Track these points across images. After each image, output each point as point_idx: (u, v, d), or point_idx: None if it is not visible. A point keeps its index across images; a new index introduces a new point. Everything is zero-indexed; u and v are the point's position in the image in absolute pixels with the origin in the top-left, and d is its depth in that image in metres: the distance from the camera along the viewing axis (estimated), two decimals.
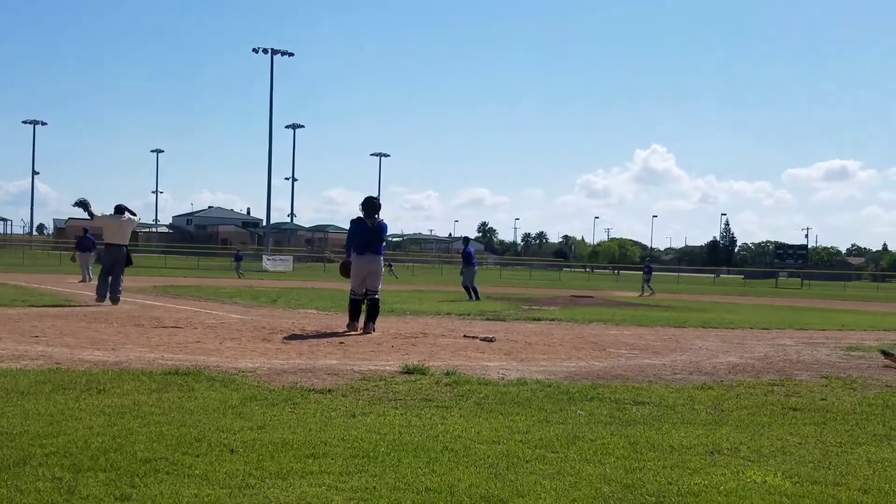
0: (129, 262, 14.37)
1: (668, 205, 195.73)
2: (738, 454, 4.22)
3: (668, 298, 26.76)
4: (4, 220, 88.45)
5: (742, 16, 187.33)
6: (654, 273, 35.92)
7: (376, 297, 10.61)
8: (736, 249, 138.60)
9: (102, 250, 14.26)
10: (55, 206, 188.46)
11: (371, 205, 10.66)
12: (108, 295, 13.75)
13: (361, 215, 10.65)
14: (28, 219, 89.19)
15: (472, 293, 19.96)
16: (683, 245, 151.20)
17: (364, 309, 10.56)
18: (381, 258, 10.76)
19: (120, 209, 14.36)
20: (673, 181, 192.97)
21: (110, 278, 13.85)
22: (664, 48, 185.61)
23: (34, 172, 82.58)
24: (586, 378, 6.78)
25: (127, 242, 14.31)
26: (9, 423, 4.31)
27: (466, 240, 22.69)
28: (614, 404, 5.54)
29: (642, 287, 32.45)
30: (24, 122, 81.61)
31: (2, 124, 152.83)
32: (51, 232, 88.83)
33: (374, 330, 10.19)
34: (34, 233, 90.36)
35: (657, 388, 6.30)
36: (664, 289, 35.30)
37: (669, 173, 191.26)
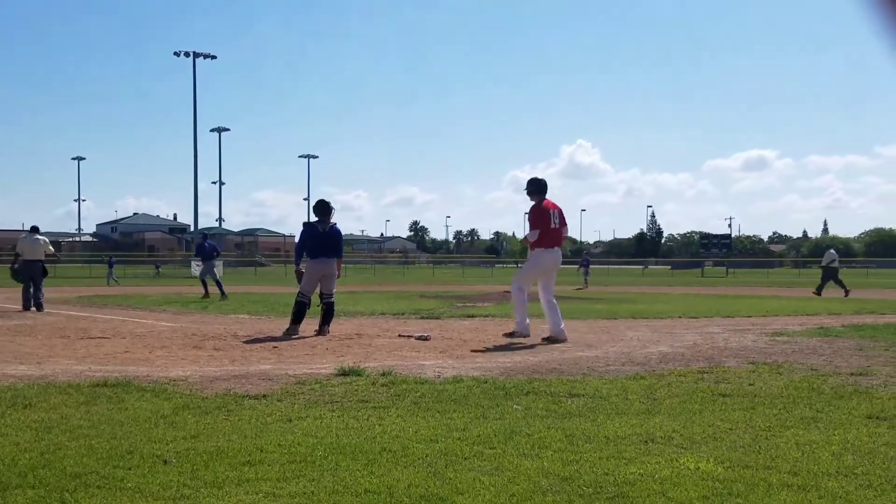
0: (45, 273, 16.24)
1: (595, 198, 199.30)
2: (671, 442, 4.32)
3: (599, 291, 27.21)
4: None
5: (661, 9, 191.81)
6: (592, 267, 36.71)
7: (331, 300, 10.61)
8: (663, 241, 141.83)
9: (20, 267, 16.10)
10: None
11: (323, 208, 10.62)
12: (31, 303, 15.31)
13: (314, 219, 10.63)
14: None
15: (206, 288, 20.72)
16: (612, 238, 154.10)
17: (319, 312, 10.56)
18: (335, 262, 10.74)
19: (34, 230, 16.59)
20: (598, 175, 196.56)
21: (31, 288, 15.48)
22: (588, 43, 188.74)
23: None
24: (522, 373, 6.85)
25: (42, 258, 16.20)
26: None
27: (204, 235, 23.19)
28: (550, 398, 5.61)
29: (585, 280, 33.17)
30: None
31: None
32: None
33: (328, 332, 10.21)
34: None
35: (591, 381, 6.41)
36: (595, 281, 35.88)
37: (595, 167, 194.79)
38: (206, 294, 20.52)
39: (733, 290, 30.60)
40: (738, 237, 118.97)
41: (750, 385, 6.20)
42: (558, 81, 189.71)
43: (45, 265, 16.31)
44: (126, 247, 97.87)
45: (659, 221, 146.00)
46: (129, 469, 3.71)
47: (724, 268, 64.21)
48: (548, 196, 9.71)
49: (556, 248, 9.63)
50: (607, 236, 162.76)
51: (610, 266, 76.87)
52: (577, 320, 12.61)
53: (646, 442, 4.31)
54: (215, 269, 21.79)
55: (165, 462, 3.83)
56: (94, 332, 10.52)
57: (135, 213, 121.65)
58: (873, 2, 1.52)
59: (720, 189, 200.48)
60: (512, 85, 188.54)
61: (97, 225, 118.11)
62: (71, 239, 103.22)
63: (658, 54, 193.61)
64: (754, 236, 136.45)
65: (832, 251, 26.28)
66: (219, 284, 20.41)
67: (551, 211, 9.59)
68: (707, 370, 7.01)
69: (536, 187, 9.69)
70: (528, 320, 9.71)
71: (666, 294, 24.68)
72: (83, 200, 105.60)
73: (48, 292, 16.63)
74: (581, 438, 4.36)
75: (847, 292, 23.10)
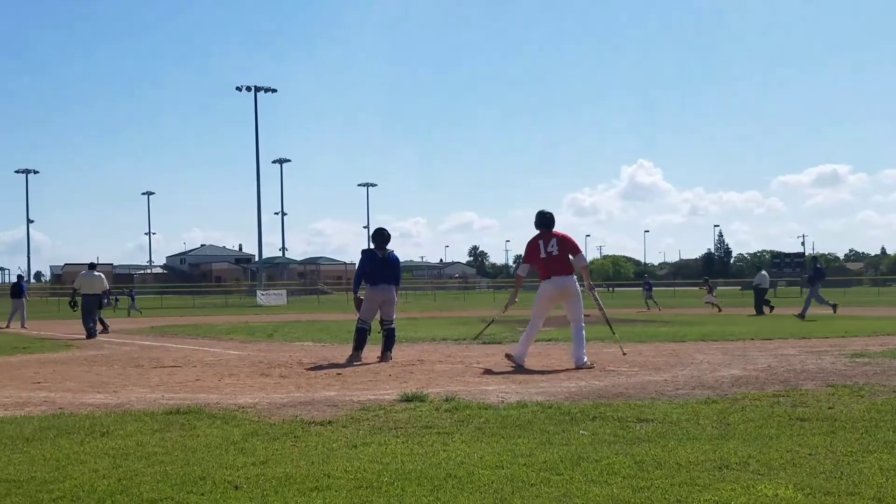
0: (101, 306, 18.16)
1: (659, 219, 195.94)
2: (747, 468, 4.20)
3: (665, 313, 26.75)
4: (2, 269, 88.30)
5: (722, 24, 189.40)
6: (654, 289, 36.15)
7: (392, 325, 10.70)
8: (731, 260, 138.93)
9: (80, 300, 17.78)
10: (50, 253, 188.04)
11: (381, 236, 10.82)
12: (93, 332, 16.99)
13: (372, 247, 10.81)
14: (25, 267, 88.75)
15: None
16: (678, 259, 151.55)
17: (381, 338, 10.66)
18: (395, 289, 10.86)
19: (92, 266, 18.51)
20: (661, 195, 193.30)
21: (92, 320, 17.27)
22: (645, 62, 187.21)
23: (29, 221, 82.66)
24: (587, 398, 6.76)
25: (99, 292, 17.94)
26: (15, 471, 4.28)
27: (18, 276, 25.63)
28: (617, 423, 5.52)
29: (646, 304, 32.69)
30: (17, 172, 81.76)
31: None
32: (48, 279, 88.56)
33: (391, 358, 10.33)
34: (32, 280, 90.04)
35: (660, 405, 6.28)
36: (660, 304, 35.30)
37: (657, 187, 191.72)
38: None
39: (808, 310, 29.65)
40: (812, 255, 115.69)
41: (829, 408, 6.00)
42: (617, 102, 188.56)
43: (103, 298, 18.20)
44: (194, 278, 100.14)
45: (727, 241, 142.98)
46: (202, 494, 3.78)
47: (798, 287, 62.51)
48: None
49: (552, 278, 9.46)
50: (672, 257, 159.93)
51: (676, 288, 75.55)
52: (643, 343, 12.41)
53: (720, 468, 4.20)
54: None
55: (236, 488, 3.89)
56: (167, 362, 10.78)
57: (202, 245, 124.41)
58: None
59: (791, 206, 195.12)
60: (569, 107, 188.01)
61: (167, 257, 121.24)
62: (142, 271, 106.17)
63: (720, 70, 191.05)
64: (829, 254, 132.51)
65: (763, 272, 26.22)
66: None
67: (540, 242, 9.52)
68: (783, 393, 6.81)
69: (536, 221, 9.69)
70: (527, 350, 9.49)
71: (737, 315, 24.12)
72: (153, 234, 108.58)
73: (121, 323, 18.57)
74: (651, 465, 4.28)
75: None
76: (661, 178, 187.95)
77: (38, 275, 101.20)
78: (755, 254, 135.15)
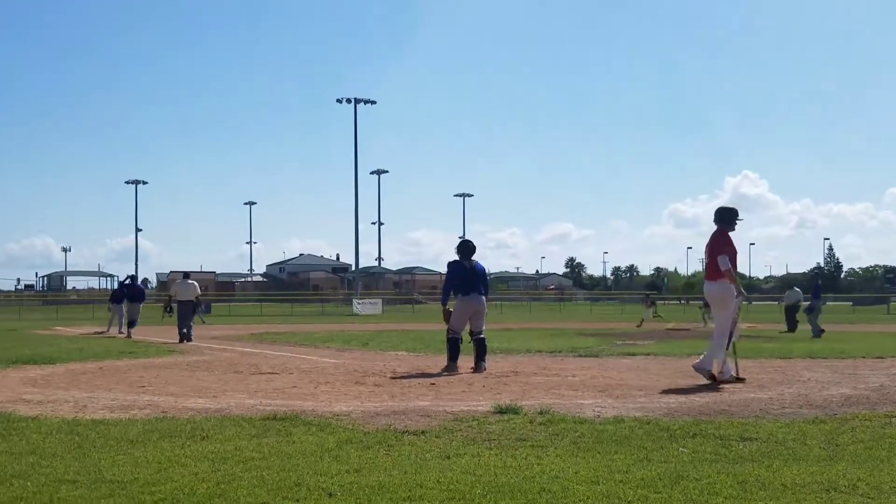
0: (194, 312, 19.54)
1: (764, 231, 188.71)
2: (856, 491, 3.98)
3: (770, 329, 25.79)
4: (111, 275, 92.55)
5: (831, 34, 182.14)
6: (754, 303, 34.91)
7: (482, 336, 10.70)
8: (842, 275, 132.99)
9: (175, 306, 19.31)
10: (157, 261, 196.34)
11: (466, 248, 10.88)
12: (186, 336, 18.08)
13: (458, 258, 10.82)
14: (133, 274, 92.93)
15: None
16: (785, 273, 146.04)
17: (472, 349, 10.67)
18: (484, 299, 10.88)
19: (186, 275, 20.05)
20: (767, 207, 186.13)
21: (184, 326, 18.42)
22: (751, 70, 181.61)
23: (137, 230, 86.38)
24: (687, 414, 6.55)
25: (193, 299, 19.15)
26: (120, 472, 4.44)
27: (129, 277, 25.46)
28: (719, 441, 5.33)
29: (703, 319, 31.63)
30: (127, 183, 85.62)
31: (107, 185, 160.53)
32: (154, 286, 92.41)
33: (484, 368, 10.36)
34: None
35: (765, 424, 6.04)
36: (765, 318, 34.10)
37: (763, 199, 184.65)
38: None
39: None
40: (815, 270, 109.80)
41: None
42: (720, 111, 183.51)
43: (196, 304, 19.59)
44: (293, 286, 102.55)
45: (837, 254, 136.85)
46: (297, 501, 3.83)
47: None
48: None
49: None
50: (779, 271, 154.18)
51: (783, 302, 72.86)
52: (746, 360, 11.98)
53: (827, 490, 4.00)
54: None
55: (330, 495, 3.92)
56: (265, 368, 11.05)
57: (300, 254, 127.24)
58: None
59: None
60: (671, 115, 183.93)
61: (267, 266, 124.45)
62: (243, 279, 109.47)
63: (828, 78, 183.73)
64: None
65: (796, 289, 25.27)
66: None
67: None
68: None
69: (717, 217, 9.20)
70: (724, 359, 8.85)
71: (847, 332, 23.09)
72: (254, 243, 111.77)
73: (220, 330, 19.55)
74: (755, 485, 4.10)
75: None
76: (766, 189, 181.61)
77: (145, 281, 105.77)
78: (867, 268, 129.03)
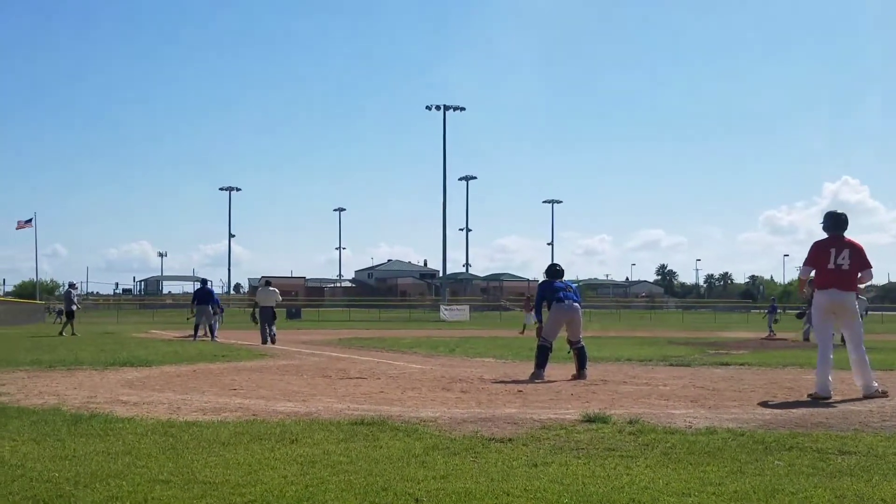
0: (275, 317, 20.74)
1: (865, 239, 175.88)
2: None
3: (869, 339, 24.70)
4: (206, 280, 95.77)
5: None
6: None
7: (581, 344, 10.68)
8: None
9: (258, 312, 20.59)
10: (249, 267, 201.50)
11: (554, 271, 11.12)
12: (268, 339, 19.58)
13: (547, 279, 11.05)
14: (226, 279, 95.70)
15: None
16: (886, 282, 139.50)
17: (573, 358, 10.68)
18: (580, 309, 10.94)
19: (267, 282, 21.46)
20: (868, 214, 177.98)
21: (267, 329, 19.86)
22: (848, 73, 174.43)
23: (230, 235, 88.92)
24: (783, 426, 6.33)
25: (273, 304, 20.51)
26: (211, 473, 4.57)
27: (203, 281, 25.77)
28: (816, 454, 5.12)
29: (769, 327, 30.45)
30: (221, 189, 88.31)
31: (202, 192, 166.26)
32: (246, 290, 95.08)
33: (587, 376, 10.36)
34: (231, 292, 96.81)
35: (864, 437, 5.78)
36: (866, 329, 32.63)
37: (863, 205, 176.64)
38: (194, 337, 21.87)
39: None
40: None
41: None
42: (818, 116, 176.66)
43: (275, 310, 20.84)
44: (381, 292, 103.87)
45: None
46: None
47: None
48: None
49: (828, 290, 8.41)
50: (880, 280, 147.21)
51: (885, 313, 69.72)
52: (845, 371, 11.50)
53: None
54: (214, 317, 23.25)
55: (417, 501, 3.94)
56: (353, 373, 11.22)
57: (388, 260, 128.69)
58: None
59: None
60: (767, 121, 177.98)
61: (355, 271, 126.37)
62: (332, 285, 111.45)
63: None
64: None
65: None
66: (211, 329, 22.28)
67: (832, 250, 8.46)
68: None
69: (826, 224, 8.65)
70: (828, 378, 8.28)
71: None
72: (343, 249, 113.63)
73: (309, 335, 19.91)
74: (853, 500, 3.93)
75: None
76: (867, 195, 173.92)
77: (237, 286, 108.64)
78: None
